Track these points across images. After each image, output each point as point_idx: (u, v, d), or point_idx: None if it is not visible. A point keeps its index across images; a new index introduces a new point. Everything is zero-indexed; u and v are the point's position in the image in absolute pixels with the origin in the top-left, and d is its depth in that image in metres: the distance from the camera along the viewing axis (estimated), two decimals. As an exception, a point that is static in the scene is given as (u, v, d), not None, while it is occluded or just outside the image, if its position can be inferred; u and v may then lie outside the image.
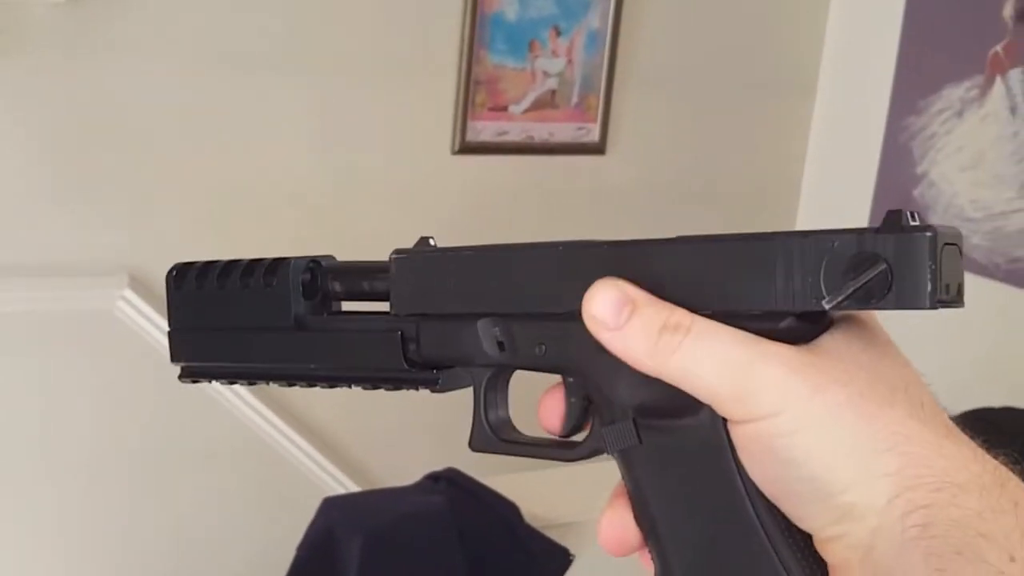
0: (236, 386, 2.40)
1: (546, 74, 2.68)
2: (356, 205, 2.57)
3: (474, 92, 2.60)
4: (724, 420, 0.49)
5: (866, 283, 0.46)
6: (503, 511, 1.98)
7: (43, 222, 2.25)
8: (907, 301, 0.46)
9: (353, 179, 2.56)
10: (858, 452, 0.46)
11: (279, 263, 0.68)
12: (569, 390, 0.59)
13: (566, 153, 2.77)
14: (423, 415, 2.62)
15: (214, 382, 0.73)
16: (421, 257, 0.66)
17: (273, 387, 2.63)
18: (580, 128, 2.76)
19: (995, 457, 0.48)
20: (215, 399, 2.41)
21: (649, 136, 2.89)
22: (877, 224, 0.47)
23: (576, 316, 0.54)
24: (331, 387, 0.68)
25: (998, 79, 2.68)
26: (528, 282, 0.60)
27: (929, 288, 0.45)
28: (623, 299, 0.53)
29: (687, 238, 0.55)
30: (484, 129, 2.64)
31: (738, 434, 0.49)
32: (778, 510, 0.49)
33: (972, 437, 0.49)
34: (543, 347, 0.57)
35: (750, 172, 3.08)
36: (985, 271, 2.72)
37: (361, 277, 0.69)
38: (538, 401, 0.60)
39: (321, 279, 0.69)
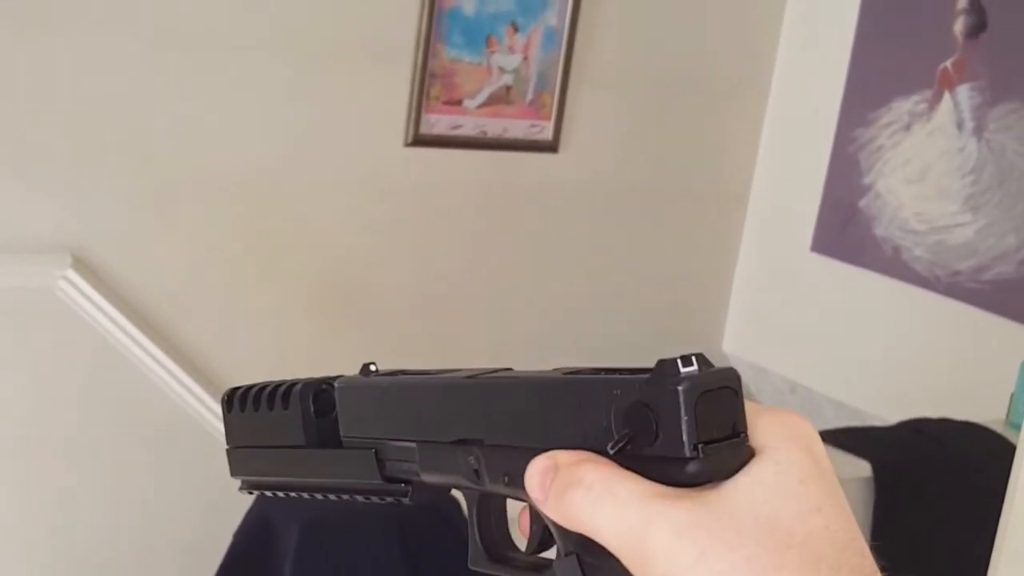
0: (174, 367, 2.38)
1: (502, 70, 2.68)
2: (304, 191, 2.55)
3: (429, 85, 2.59)
4: None
5: (637, 432, 0.49)
6: (445, 505, 1.98)
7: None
8: (671, 449, 0.48)
9: (303, 165, 2.54)
10: None
11: (289, 389, 0.73)
12: (532, 516, 0.59)
13: (519, 150, 2.77)
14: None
15: (268, 492, 0.80)
16: (375, 385, 0.68)
17: (215, 371, 2.56)
18: (534, 125, 2.77)
19: None
20: (152, 381, 2.39)
21: (601, 137, 2.90)
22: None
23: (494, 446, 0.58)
24: (349, 497, 0.73)
25: (946, 94, 2.72)
26: (481, 411, 0.61)
27: (685, 437, 0.48)
28: (548, 467, 0.52)
29: (516, 379, 0.59)
30: (438, 122, 2.64)
31: None
32: None
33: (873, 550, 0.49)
34: (507, 477, 0.58)
35: (701, 175, 3.10)
36: (926, 283, 2.76)
37: None
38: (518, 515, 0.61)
39: (331, 399, 0.73)
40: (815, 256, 3.01)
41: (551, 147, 2.81)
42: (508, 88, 2.71)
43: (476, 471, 0.60)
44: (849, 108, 2.93)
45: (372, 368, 0.70)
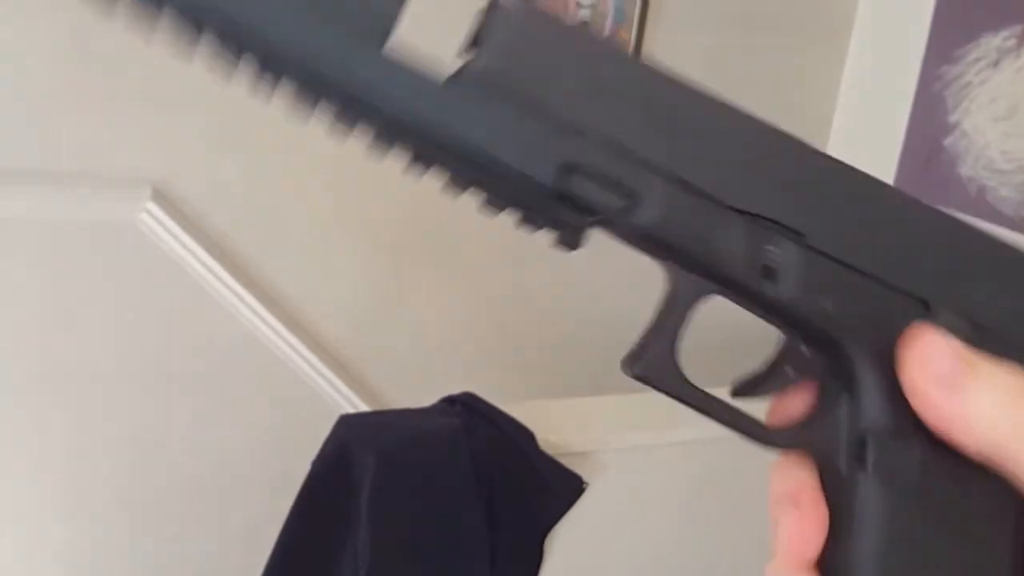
0: (253, 301, 2.40)
1: (579, 4, 2.64)
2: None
3: (505, 19, 2.56)
4: None
5: None
6: (518, 437, 1.98)
7: (67, 129, 2.24)
8: None
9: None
10: None
11: None
12: (825, 386, 0.44)
13: (595, 86, 2.74)
14: (440, 337, 2.62)
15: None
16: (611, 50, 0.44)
17: (294, 306, 2.59)
18: (610, 62, 2.73)
19: None
20: (234, 316, 2.41)
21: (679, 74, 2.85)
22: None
23: (911, 294, 0.43)
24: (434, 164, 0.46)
25: (1038, 28, 2.63)
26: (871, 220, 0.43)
27: None
28: (957, 355, 0.40)
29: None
30: (513, 58, 2.61)
31: None
32: None
33: None
34: (836, 302, 0.42)
35: (781, 114, 3.03)
36: (1012, 224, 2.69)
37: None
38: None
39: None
40: (897, 196, 2.94)
41: (628, 84, 2.77)
42: (586, 23, 2.67)
43: (770, 268, 0.42)
44: (935, 45, 2.85)
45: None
